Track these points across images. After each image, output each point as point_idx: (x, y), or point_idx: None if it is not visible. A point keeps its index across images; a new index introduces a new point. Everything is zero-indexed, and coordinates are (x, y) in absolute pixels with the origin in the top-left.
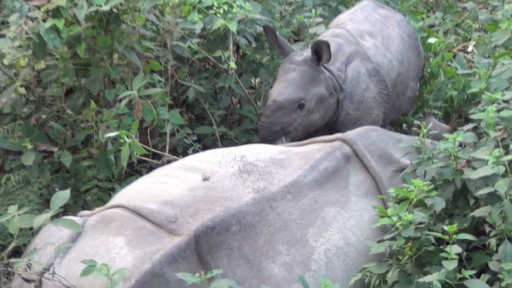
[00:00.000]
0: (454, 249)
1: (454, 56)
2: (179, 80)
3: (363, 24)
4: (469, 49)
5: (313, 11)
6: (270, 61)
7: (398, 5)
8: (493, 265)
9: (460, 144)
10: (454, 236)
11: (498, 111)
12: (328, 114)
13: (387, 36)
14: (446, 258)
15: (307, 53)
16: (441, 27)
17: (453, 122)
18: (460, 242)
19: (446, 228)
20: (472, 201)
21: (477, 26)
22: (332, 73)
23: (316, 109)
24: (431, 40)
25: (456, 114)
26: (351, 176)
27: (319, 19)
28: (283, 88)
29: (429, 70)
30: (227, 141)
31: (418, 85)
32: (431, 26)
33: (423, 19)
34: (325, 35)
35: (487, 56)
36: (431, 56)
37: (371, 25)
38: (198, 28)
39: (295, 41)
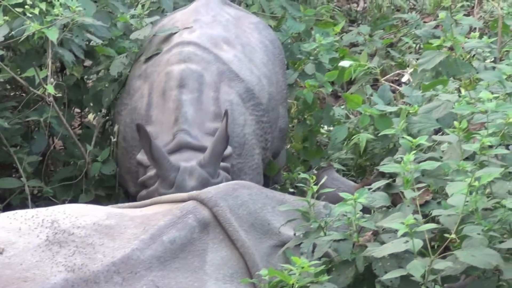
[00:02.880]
0: None
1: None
2: None
3: (214, 28)
4: (404, 78)
5: (139, 6)
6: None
7: (299, 11)
8: None
9: (368, 210)
10: None
11: (421, 162)
12: None
13: (247, 44)
14: None
15: (194, 162)
16: (366, 47)
17: (368, 180)
18: None
19: None
20: None
21: (418, 46)
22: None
23: None
24: (344, 63)
25: (377, 170)
26: (209, 251)
27: (152, 18)
28: None
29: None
30: (43, 201)
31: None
32: (354, 45)
33: (339, 33)
34: (168, 59)
35: None
36: (336, 88)
37: (224, 29)
38: (1, 35)
39: None
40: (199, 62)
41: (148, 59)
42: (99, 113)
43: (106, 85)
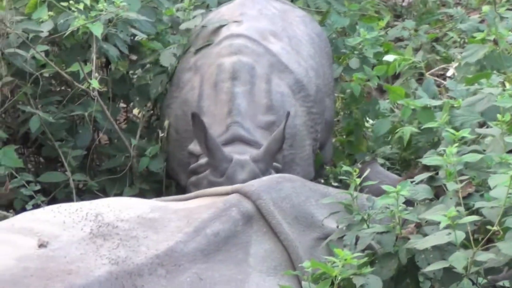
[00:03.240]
0: None
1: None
2: (18, 104)
3: (260, 21)
4: (449, 73)
5: (186, 0)
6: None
7: (344, 6)
8: None
9: (411, 202)
10: None
11: (464, 155)
12: None
13: (293, 37)
14: None
15: (247, 156)
16: (411, 42)
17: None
18: None
19: None
20: (426, 283)
21: (463, 41)
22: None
23: None
24: (388, 57)
25: (421, 164)
26: (253, 244)
27: (200, 11)
28: None
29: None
30: (88, 195)
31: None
32: (399, 39)
33: (384, 28)
34: (219, 52)
35: None
36: (381, 82)
37: (270, 22)
38: (45, 29)
39: None
40: (250, 54)
41: (197, 51)
42: (144, 107)
43: (152, 78)
